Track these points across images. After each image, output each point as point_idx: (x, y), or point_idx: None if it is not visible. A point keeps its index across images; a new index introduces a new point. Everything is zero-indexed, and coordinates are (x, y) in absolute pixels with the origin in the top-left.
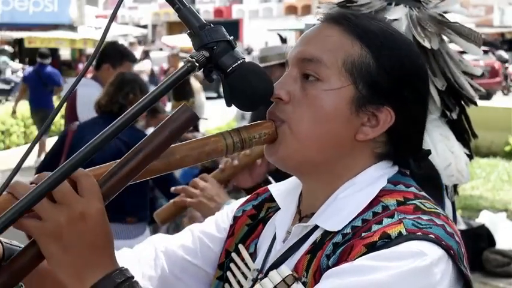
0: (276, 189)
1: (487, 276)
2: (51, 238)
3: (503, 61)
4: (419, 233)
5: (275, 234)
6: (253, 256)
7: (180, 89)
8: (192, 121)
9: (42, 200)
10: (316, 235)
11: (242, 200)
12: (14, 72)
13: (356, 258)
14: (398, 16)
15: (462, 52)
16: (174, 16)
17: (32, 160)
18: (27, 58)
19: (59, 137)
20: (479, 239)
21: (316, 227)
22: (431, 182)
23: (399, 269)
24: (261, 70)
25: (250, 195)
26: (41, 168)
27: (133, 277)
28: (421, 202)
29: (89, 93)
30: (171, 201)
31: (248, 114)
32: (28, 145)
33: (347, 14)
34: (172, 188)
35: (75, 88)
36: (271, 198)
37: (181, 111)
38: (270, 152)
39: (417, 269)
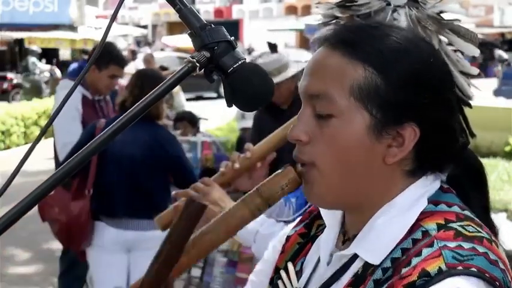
0: None
1: None
2: None
3: (502, 61)
4: (460, 267)
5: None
6: (299, 274)
7: None
8: (201, 211)
9: None
10: (357, 265)
11: (296, 221)
12: (41, 72)
13: None
14: (398, 17)
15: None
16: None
17: (32, 161)
18: (55, 59)
19: (85, 132)
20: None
21: (356, 255)
22: (476, 182)
23: None
24: (262, 70)
25: (303, 215)
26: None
27: None
28: (462, 226)
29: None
30: (172, 206)
31: (248, 114)
32: (28, 145)
33: (344, 34)
34: (173, 193)
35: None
36: (320, 215)
37: (188, 205)
38: (305, 193)
39: None
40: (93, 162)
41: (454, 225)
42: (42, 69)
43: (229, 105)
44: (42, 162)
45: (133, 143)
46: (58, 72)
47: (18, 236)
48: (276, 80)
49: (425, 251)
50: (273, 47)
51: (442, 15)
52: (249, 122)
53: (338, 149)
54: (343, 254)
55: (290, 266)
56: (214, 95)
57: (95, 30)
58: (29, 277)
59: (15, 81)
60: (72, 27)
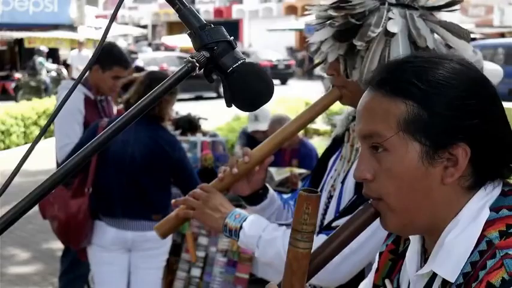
0: None
1: None
2: None
3: None
4: None
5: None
6: None
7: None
8: (374, 218)
9: None
10: (437, 284)
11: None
12: (48, 71)
13: None
14: (394, 16)
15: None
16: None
17: (32, 161)
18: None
19: (88, 130)
20: None
21: (435, 274)
22: None
23: None
24: (262, 70)
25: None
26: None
27: None
28: None
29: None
30: (173, 213)
31: (262, 116)
32: (28, 145)
33: (382, 75)
34: (173, 201)
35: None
36: None
37: (364, 209)
38: (381, 225)
39: None
40: (92, 161)
41: None
42: (49, 68)
43: (228, 105)
44: (42, 162)
45: (134, 144)
46: (65, 72)
47: (18, 236)
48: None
49: (489, 263)
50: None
51: (436, 13)
52: (260, 125)
53: (397, 181)
54: (420, 274)
55: (388, 283)
56: (214, 95)
57: (95, 30)
58: (29, 277)
59: (22, 81)
60: (72, 27)
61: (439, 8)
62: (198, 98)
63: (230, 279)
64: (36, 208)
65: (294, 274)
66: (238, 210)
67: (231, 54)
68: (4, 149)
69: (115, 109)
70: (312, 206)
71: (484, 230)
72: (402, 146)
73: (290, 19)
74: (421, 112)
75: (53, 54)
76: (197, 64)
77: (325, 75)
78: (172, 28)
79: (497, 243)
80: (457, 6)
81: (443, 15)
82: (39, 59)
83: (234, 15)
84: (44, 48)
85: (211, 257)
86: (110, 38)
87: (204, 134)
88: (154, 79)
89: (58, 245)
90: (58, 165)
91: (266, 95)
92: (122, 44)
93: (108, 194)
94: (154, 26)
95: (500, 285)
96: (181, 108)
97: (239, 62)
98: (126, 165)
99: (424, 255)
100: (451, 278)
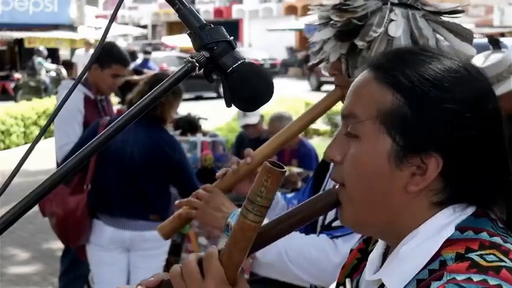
0: None
1: None
2: None
3: None
4: None
5: None
6: None
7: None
8: (335, 205)
9: (177, 271)
10: None
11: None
12: (48, 71)
13: None
14: (396, 17)
15: None
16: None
17: (32, 161)
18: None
19: (89, 129)
20: None
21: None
22: None
23: None
24: (261, 70)
25: None
26: (66, 159)
27: None
28: (482, 255)
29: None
30: (176, 214)
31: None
32: (28, 145)
33: (381, 59)
34: (176, 202)
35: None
36: None
37: (328, 193)
38: (339, 217)
39: None
40: (92, 158)
41: (472, 254)
42: (48, 68)
43: (228, 105)
44: (42, 162)
45: (133, 144)
46: (64, 72)
47: (18, 236)
48: (497, 91)
49: (434, 285)
50: (495, 43)
51: (439, 14)
52: (250, 119)
53: (359, 171)
54: (370, 281)
55: (348, 282)
56: (214, 94)
57: (95, 30)
58: (29, 277)
59: (21, 81)
60: (72, 27)
61: (441, 14)
62: (198, 98)
63: None
64: (36, 208)
65: (236, 244)
66: (239, 210)
67: (231, 54)
68: (4, 149)
69: (115, 109)
70: (272, 180)
71: (441, 248)
72: (373, 137)
73: (290, 19)
74: (406, 109)
75: (52, 55)
76: (197, 64)
77: (325, 73)
78: (172, 28)
79: (449, 267)
80: (459, 14)
81: (442, 16)
82: (39, 59)
83: (234, 15)
84: (43, 49)
85: None
86: (110, 38)
87: (204, 134)
88: (159, 80)
89: (58, 245)
90: (58, 165)
91: (266, 94)
92: (121, 43)
93: (107, 192)
94: (154, 26)
95: None
96: (181, 108)
97: (239, 62)
98: (125, 164)
99: (384, 259)
100: None
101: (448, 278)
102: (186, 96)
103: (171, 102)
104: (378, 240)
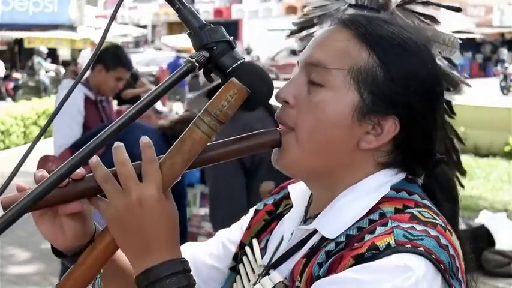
0: (293, 187)
1: (486, 277)
2: (113, 221)
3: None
4: (408, 245)
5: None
6: (263, 251)
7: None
8: (275, 145)
9: (109, 182)
10: (314, 240)
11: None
12: (47, 71)
13: (344, 270)
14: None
15: None
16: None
17: (32, 161)
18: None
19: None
20: (478, 239)
21: (315, 231)
22: (447, 194)
23: (382, 285)
24: (261, 70)
25: (275, 189)
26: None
27: (189, 270)
28: (419, 211)
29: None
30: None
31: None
32: (28, 145)
33: (358, 18)
34: None
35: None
36: (289, 196)
37: (272, 132)
38: (274, 159)
39: (401, 287)
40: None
41: (411, 210)
42: (48, 68)
43: None
44: None
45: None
46: (63, 72)
47: (17, 236)
48: None
49: (379, 229)
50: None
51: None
52: None
53: (320, 118)
54: (304, 229)
55: (255, 242)
56: None
57: (95, 30)
58: (29, 277)
59: (21, 81)
60: (71, 27)
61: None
62: None
63: None
64: None
65: (181, 154)
66: None
67: (231, 54)
68: (4, 149)
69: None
70: (237, 97)
71: (379, 203)
72: (342, 89)
73: (290, 19)
74: (379, 70)
75: (52, 55)
76: (197, 64)
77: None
78: (172, 28)
79: (392, 216)
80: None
81: (443, 15)
82: (38, 59)
83: (234, 15)
84: (44, 49)
85: None
86: (109, 38)
87: None
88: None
89: None
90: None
91: (265, 94)
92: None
93: None
94: (154, 26)
95: (384, 248)
96: (181, 108)
97: (238, 62)
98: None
99: (305, 216)
100: (331, 236)
101: (393, 225)
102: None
103: None
104: (289, 205)
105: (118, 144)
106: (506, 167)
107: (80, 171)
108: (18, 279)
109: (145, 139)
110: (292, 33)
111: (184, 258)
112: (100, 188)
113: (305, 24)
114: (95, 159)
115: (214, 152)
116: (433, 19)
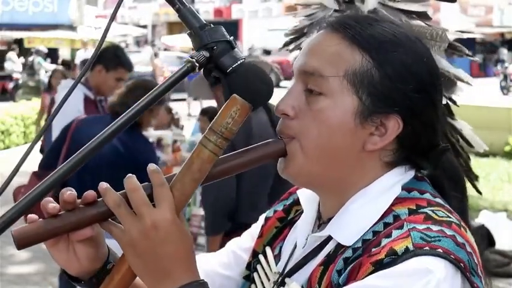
0: (302, 192)
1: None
2: (128, 247)
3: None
4: (426, 248)
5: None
6: (277, 259)
7: None
8: (280, 155)
9: (122, 207)
10: (330, 246)
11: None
12: (47, 71)
13: (364, 277)
14: None
15: None
16: (173, 16)
17: (31, 161)
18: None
19: (62, 130)
20: (478, 239)
21: (330, 238)
22: (455, 183)
23: None
24: (261, 70)
25: (284, 195)
26: (44, 161)
27: None
28: (432, 210)
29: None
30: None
31: None
32: (28, 145)
33: (346, 20)
34: None
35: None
36: (299, 201)
37: (276, 142)
38: (281, 168)
39: None
40: (62, 156)
41: (424, 210)
42: (47, 68)
43: None
44: None
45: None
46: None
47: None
48: None
49: (395, 233)
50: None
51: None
52: None
53: (323, 126)
54: (318, 236)
55: (268, 250)
56: None
57: (95, 30)
58: (28, 277)
59: (20, 81)
60: (71, 27)
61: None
62: (198, 98)
63: None
64: None
65: (190, 174)
66: None
67: (231, 54)
68: (4, 148)
69: None
70: (240, 113)
71: (392, 205)
72: (340, 95)
73: (290, 19)
74: (373, 70)
75: (52, 54)
76: (197, 64)
77: None
78: (172, 28)
79: (406, 218)
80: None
81: (443, 16)
82: (38, 59)
83: (234, 15)
84: (43, 49)
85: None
86: (109, 38)
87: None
88: (138, 85)
89: None
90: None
91: (265, 94)
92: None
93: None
94: (154, 26)
95: (402, 253)
96: (180, 108)
97: (238, 62)
98: (93, 168)
99: (319, 221)
100: (347, 243)
101: (409, 227)
102: (185, 96)
103: (151, 108)
104: (299, 210)
105: (129, 175)
106: (506, 167)
107: (91, 194)
108: (18, 279)
109: (152, 166)
110: (284, 45)
111: (203, 280)
112: (111, 212)
113: (296, 35)
114: (104, 185)
115: (221, 167)
116: (423, 15)
